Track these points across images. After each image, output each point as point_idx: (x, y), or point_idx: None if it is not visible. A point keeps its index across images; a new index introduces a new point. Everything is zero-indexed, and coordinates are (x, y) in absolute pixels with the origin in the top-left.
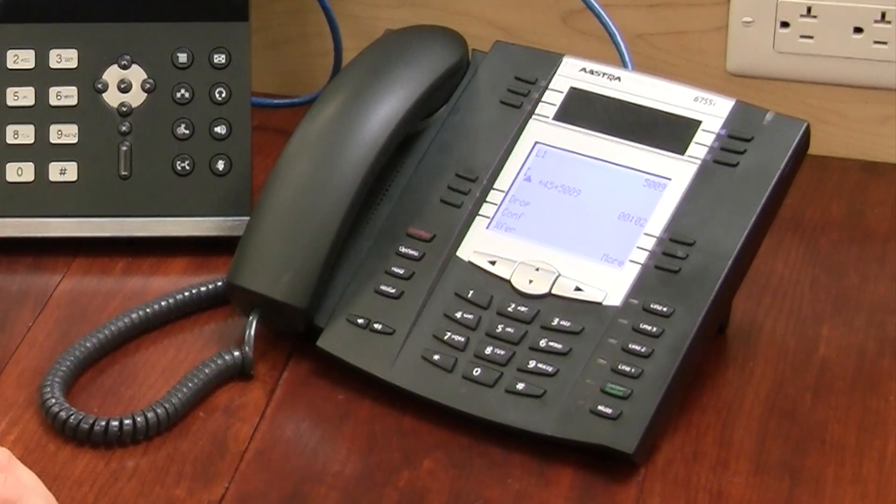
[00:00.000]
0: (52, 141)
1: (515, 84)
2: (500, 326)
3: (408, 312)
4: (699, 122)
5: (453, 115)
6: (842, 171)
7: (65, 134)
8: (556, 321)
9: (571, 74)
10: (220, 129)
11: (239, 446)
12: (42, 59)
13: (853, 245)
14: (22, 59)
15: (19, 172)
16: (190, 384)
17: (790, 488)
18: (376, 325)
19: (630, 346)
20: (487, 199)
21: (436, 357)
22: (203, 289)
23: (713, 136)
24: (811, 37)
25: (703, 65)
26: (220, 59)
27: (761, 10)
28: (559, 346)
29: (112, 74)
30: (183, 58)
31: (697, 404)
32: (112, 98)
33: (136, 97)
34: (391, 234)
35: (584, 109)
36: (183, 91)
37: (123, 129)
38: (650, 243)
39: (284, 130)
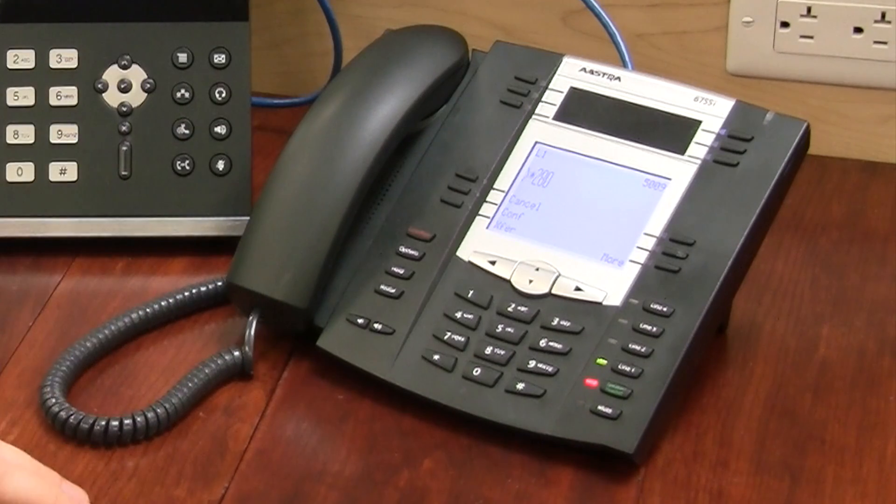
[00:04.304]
0: (52, 141)
1: (515, 84)
2: (500, 326)
3: (408, 312)
4: (699, 122)
5: (453, 114)
6: (842, 171)
7: (65, 134)
8: (556, 321)
9: (571, 74)
10: (220, 129)
11: (239, 446)
12: (42, 59)
13: (853, 245)
14: (22, 59)
15: (19, 172)
16: (190, 384)
17: (790, 488)
18: (376, 325)
19: (630, 346)
20: (487, 198)
21: (436, 357)
22: (203, 289)
23: (713, 136)
24: (811, 37)
25: (703, 65)
26: (220, 59)
27: (761, 10)
28: (559, 346)
29: (112, 74)
30: (183, 58)
31: (697, 404)
32: (112, 98)
33: (136, 97)
34: (391, 234)
35: (584, 109)
36: (183, 91)
37: (123, 129)
38: (650, 243)
39: (284, 130)
